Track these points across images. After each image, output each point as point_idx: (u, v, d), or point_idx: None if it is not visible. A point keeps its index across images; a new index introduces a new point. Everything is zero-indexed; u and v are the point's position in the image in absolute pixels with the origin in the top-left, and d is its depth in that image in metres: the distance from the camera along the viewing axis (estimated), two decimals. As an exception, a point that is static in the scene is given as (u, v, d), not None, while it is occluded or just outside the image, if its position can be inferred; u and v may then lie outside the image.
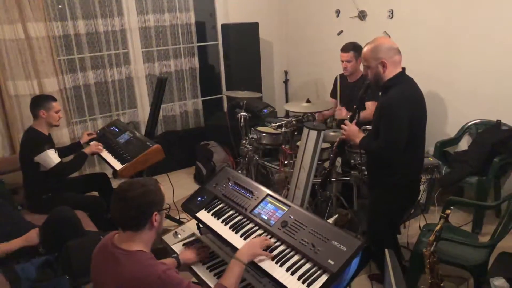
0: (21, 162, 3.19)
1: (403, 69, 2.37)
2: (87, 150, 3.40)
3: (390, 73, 2.31)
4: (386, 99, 2.32)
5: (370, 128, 2.63)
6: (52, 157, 3.06)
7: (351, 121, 2.58)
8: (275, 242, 1.85)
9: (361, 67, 3.38)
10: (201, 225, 2.20)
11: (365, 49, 2.37)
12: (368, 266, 2.90)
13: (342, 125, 2.59)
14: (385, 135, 2.29)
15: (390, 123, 2.27)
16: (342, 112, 3.48)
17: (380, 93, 2.51)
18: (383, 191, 2.48)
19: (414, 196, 2.58)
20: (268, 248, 1.81)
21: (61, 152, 3.37)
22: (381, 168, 2.46)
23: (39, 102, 3.12)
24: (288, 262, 1.74)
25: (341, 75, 3.82)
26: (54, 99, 3.18)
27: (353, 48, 3.49)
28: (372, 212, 2.63)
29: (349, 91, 3.57)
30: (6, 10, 3.76)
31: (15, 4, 3.78)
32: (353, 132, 2.51)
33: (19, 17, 3.83)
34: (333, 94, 3.90)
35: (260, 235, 1.91)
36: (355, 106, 2.64)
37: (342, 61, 3.56)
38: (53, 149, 3.13)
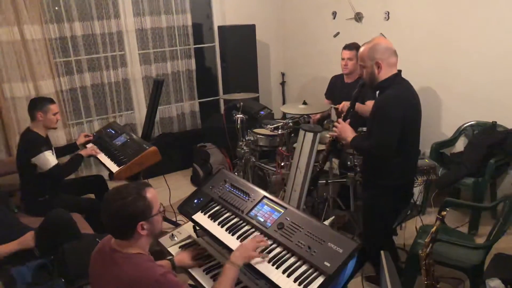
0: (18, 163, 3.18)
1: (399, 71, 2.37)
2: (83, 152, 3.39)
3: (385, 74, 2.31)
4: (380, 100, 2.34)
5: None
6: (49, 158, 3.06)
7: (344, 120, 2.57)
8: (271, 244, 1.85)
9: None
10: (197, 227, 2.20)
11: (362, 49, 2.37)
12: (370, 266, 2.91)
13: (335, 123, 2.58)
14: (376, 135, 2.30)
15: (382, 123, 2.28)
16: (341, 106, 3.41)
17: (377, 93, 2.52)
18: (376, 192, 2.48)
19: (407, 198, 2.58)
20: (263, 250, 1.80)
21: (57, 152, 3.36)
22: (375, 169, 2.46)
23: (37, 104, 3.10)
24: (285, 264, 1.74)
25: (336, 77, 3.83)
26: (53, 102, 3.17)
27: (356, 47, 3.50)
28: (366, 213, 2.64)
29: (346, 91, 3.57)
30: (2, 12, 3.76)
31: (11, 6, 3.78)
32: (345, 130, 2.49)
33: (15, 19, 3.82)
34: (328, 95, 3.92)
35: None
36: (349, 106, 2.64)
37: (343, 59, 3.56)
38: (50, 150, 3.12)
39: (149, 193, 1.62)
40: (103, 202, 1.59)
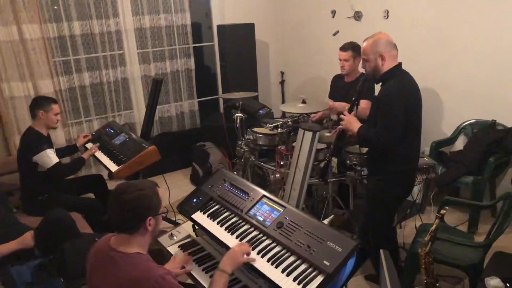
0: (19, 161, 3.18)
1: (400, 63, 2.46)
2: (85, 155, 3.40)
3: (388, 66, 2.41)
4: (384, 90, 2.42)
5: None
6: (51, 157, 3.06)
7: (349, 112, 2.63)
8: (270, 243, 1.85)
9: (359, 68, 3.40)
10: (196, 227, 2.20)
11: (364, 44, 2.46)
12: (369, 265, 2.91)
13: (341, 116, 2.65)
14: (382, 124, 2.38)
15: (387, 112, 2.36)
16: (335, 105, 3.44)
17: (380, 85, 2.55)
18: (382, 178, 2.54)
19: (410, 185, 2.63)
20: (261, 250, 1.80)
21: (57, 153, 3.35)
22: (381, 155, 2.51)
23: (39, 102, 3.11)
24: (284, 263, 1.74)
25: (337, 76, 3.83)
26: (55, 102, 3.17)
27: (352, 47, 3.50)
28: (370, 200, 2.65)
29: (345, 91, 3.57)
30: (1, 12, 3.75)
31: (10, 6, 3.77)
32: (351, 121, 2.56)
33: (13, 19, 3.81)
34: (331, 95, 3.91)
35: (255, 236, 1.91)
36: (353, 98, 2.68)
37: (340, 60, 3.56)
38: (51, 149, 3.12)
39: (160, 191, 1.67)
40: (114, 194, 1.60)
